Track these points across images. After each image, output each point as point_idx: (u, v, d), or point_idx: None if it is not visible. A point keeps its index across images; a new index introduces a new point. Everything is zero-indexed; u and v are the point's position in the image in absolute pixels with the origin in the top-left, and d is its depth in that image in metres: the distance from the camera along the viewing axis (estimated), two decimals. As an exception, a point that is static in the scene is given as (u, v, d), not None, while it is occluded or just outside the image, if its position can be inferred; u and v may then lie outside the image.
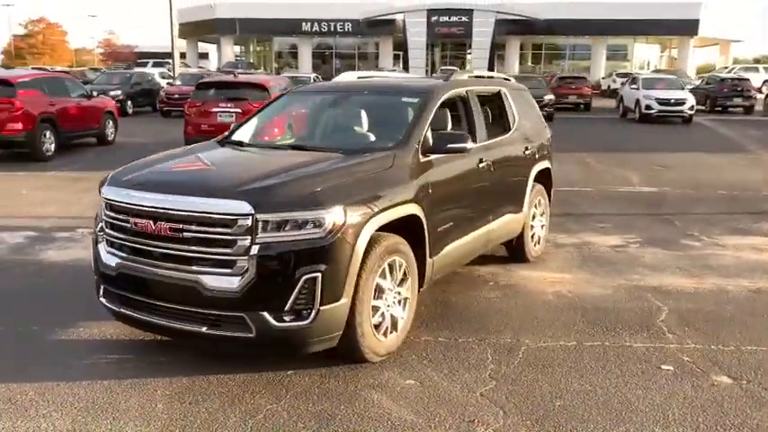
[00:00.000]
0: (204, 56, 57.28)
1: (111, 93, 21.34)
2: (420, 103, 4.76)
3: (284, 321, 3.46)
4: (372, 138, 4.68)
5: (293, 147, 4.64)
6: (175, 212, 3.52)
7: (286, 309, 3.44)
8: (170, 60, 36.76)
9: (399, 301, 4.10)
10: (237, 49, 54.48)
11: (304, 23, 47.49)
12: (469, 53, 47.48)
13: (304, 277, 3.42)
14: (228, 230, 3.43)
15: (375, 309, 3.84)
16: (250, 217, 3.40)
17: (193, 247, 3.50)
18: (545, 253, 6.56)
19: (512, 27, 45.42)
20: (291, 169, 3.88)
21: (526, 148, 5.94)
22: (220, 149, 4.69)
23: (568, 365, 4.00)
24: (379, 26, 46.81)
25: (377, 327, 3.88)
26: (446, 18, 45.37)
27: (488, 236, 5.30)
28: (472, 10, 44.88)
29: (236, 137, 4.98)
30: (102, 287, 3.94)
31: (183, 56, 51.41)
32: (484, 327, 4.59)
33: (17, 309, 4.84)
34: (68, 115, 13.42)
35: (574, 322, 4.73)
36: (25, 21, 78.29)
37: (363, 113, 4.89)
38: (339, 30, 47.83)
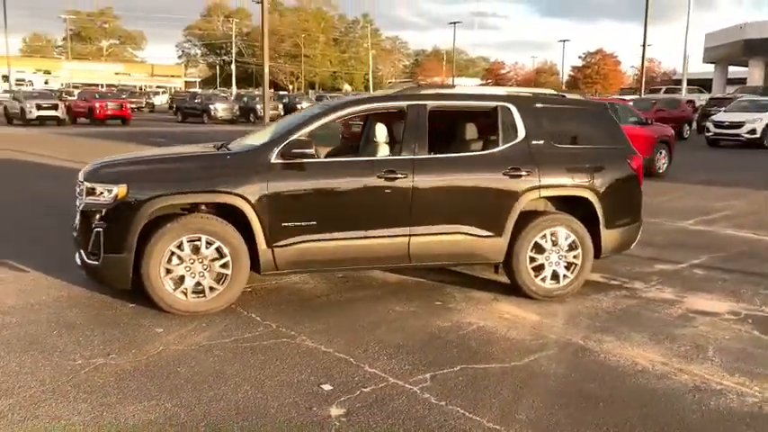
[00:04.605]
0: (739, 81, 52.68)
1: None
2: (315, 113, 5.31)
3: (90, 260, 4.96)
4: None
5: (221, 146, 5.80)
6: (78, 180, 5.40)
7: (89, 251, 4.93)
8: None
9: (217, 275, 4.96)
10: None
11: None
12: None
13: (95, 230, 4.85)
14: (78, 190, 5.12)
15: (169, 270, 4.87)
16: (83, 183, 5.01)
17: (76, 203, 5.30)
18: (583, 295, 5.66)
19: None
20: (147, 158, 5.31)
21: (514, 170, 5.40)
22: (190, 146, 6.25)
23: (260, 354, 4.27)
24: None
25: (176, 286, 4.90)
26: None
27: (406, 248, 5.25)
28: None
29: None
30: None
31: (706, 83, 48.91)
32: (321, 326, 4.80)
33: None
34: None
35: (382, 340, 4.57)
36: (584, 53, 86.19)
37: (292, 122, 5.65)
38: None
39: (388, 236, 5.24)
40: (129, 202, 4.81)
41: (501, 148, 5.50)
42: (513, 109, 5.57)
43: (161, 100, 57.70)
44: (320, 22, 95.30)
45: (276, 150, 5.05)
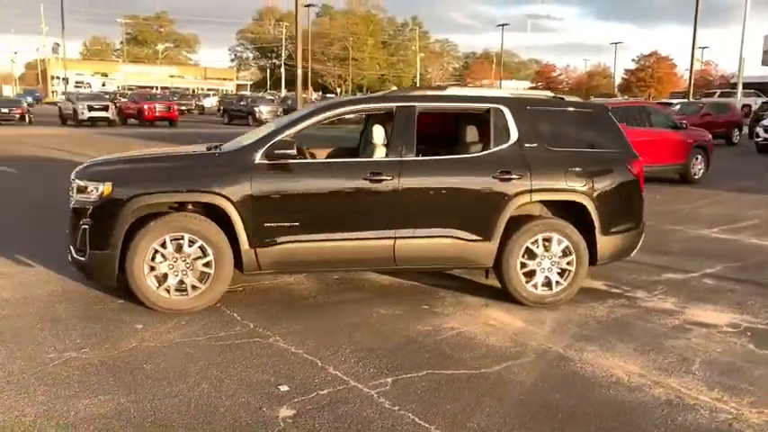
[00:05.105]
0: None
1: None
2: (305, 114, 5.31)
3: (78, 255, 5.07)
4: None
5: (215, 146, 5.84)
6: (72, 178, 5.54)
7: (78, 247, 5.05)
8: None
9: (200, 274, 5.01)
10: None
11: None
12: None
13: (82, 227, 4.96)
14: (70, 188, 5.25)
15: (153, 268, 4.94)
16: (75, 181, 5.14)
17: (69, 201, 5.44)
18: (577, 302, 5.50)
19: None
20: (136, 157, 5.39)
21: (505, 173, 5.28)
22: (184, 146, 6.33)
23: (228, 353, 4.29)
24: None
25: (160, 284, 4.97)
26: None
27: (391, 251, 5.19)
28: None
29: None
30: None
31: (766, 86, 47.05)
32: (298, 327, 4.81)
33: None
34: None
35: (357, 343, 4.52)
36: (638, 56, 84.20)
37: (282, 122, 5.66)
38: None
39: (373, 238, 5.19)
40: (114, 200, 4.90)
41: (491, 150, 5.38)
42: (506, 111, 5.45)
43: (211, 102, 58.86)
44: (369, 25, 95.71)
45: (261, 151, 5.07)
